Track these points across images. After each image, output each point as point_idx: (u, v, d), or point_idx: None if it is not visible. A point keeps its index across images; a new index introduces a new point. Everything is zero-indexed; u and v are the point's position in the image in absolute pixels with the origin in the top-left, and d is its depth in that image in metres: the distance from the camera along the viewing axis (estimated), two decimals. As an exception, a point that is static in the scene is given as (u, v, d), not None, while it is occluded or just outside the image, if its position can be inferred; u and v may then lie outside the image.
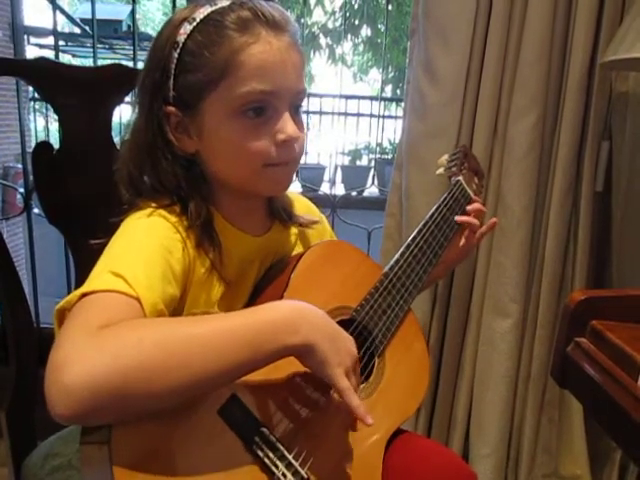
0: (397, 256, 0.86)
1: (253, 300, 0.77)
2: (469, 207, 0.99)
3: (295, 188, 1.65)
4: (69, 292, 0.58)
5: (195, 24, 0.67)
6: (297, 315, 0.60)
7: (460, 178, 1.02)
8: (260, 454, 0.60)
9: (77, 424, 0.53)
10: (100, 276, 0.59)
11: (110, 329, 0.52)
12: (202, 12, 0.68)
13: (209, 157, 0.72)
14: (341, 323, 0.75)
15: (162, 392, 0.52)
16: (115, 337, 0.52)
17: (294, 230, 0.86)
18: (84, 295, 0.56)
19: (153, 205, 0.70)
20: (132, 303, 0.57)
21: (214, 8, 0.68)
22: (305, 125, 0.76)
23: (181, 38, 0.67)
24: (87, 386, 0.48)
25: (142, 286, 0.58)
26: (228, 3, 0.69)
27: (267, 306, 0.61)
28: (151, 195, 0.72)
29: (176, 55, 0.67)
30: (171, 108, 0.70)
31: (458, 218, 0.96)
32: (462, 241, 0.99)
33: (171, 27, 0.69)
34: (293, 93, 0.70)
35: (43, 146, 0.98)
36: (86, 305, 0.56)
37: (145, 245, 0.65)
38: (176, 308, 0.67)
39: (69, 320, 0.55)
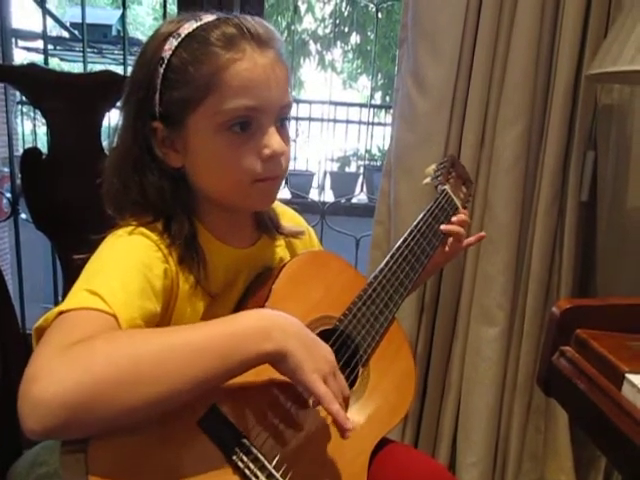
0: (382, 265, 0.87)
1: (237, 312, 0.77)
2: (453, 218, 1.00)
3: (284, 195, 1.65)
4: (56, 298, 0.59)
5: (180, 40, 0.67)
6: (269, 322, 0.60)
7: (446, 187, 1.03)
8: (240, 465, 0.60)
9: (49, 438, 0.52)
10: (77, 294, 0.59)
11: (82, 343, 0.52)
12: (187, 28, 0.68)
13: (195, 172, 0.72)
14: (324, 332, 0.75)
15: (135, 404, 0.52)
16: (86, 350, 0.52)
17: (281, 242, 0.87)
18: (61, 313, 0.57)
19: (134, 223, 0.70)
20: (108, 320, 0.57)
21: (199, 23, 0.68)
22: (291, 136, 0.77)
23: (166, 54, 0.67)
24: (57, 399, 0.48)
25: (119, 303, 0.59)
26: (213, 18, 0.69)
27: (239, 315, 0.61)
28: (134, 211, 0.71)
29: (161, 71, 0.67)
30: (157, 124, 0.69)
31: (443, 227, 0.97)
32: (447, 248, 1.00)
33: (156, 42, 0.69)
34: (278, 108, 0.70)
35: (32, 151, 0.97)
36: (62, 323, 0.56)
37: (123, 262, 0.65)
38: (161, 323, 0.67)
39: (44, 338, 0.55)
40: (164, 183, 0.71)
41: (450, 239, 1.00)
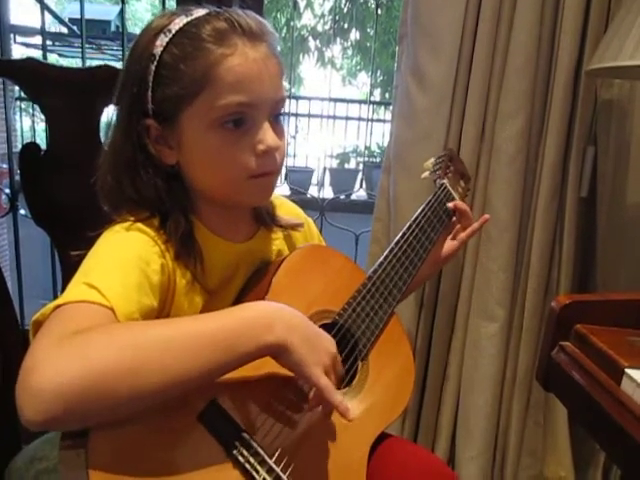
0: (381, 259, 0.87)
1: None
2: (450, 204, 1.00)
3: (283, 191, 1.65)
4: (55, 294, 0.59)
5: (171, 36, 0.66)
6: (271, 315, 0.60)
7: (445, 181, 1.03)
8: (241, 459, 0.60)
9: (48, 429, 0.52)
10: (75, 288, 0.59)
11: (80, 334, 0.52)
12: (178, 23, 0.67)
13: (190, 169, 0.72)
14: (324, 327, 0.75)
15: (133, 394, 0.51)
16: (84, 341, 0.52)
17: (279, 235, 0.86)
18: (59, 307, 0.56)
19: (131, 219, 0.69)
20: (106, 313, 0.57)
21: (190, 19, 0.67)
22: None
23: (157, 51, 0.66)
24: (55, 389, 0.48)
25: (117, 296, 0.58)
26: (204, 13, 0.68)
27: (241, 307, 0.61)
28: (130, 207, 0.71)
29: (153, 68, 0.67)
30: (150, 121, 0.69)
31: (451, 204, 0.99)
32: (449, 241, 1.00)
33: (147, 37, 0.68)
34: (271, 103, 0.70)
35: (30, 147, 0.97)
36: (59, 316, 0.56)
37: (121, 257, 0.64)
38: (158, 319, 0.66)
39: (42, 330, 0.55)
40: (158, 180, 0.70)
41: (457, 227, 1.00)
